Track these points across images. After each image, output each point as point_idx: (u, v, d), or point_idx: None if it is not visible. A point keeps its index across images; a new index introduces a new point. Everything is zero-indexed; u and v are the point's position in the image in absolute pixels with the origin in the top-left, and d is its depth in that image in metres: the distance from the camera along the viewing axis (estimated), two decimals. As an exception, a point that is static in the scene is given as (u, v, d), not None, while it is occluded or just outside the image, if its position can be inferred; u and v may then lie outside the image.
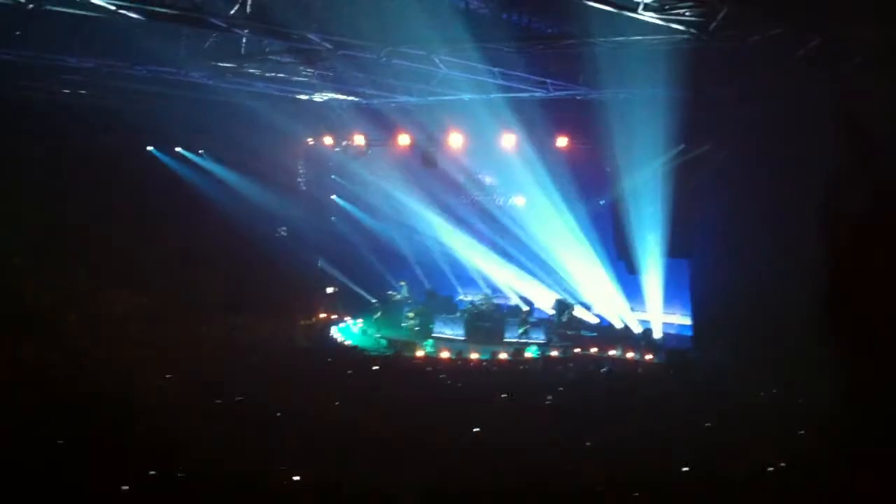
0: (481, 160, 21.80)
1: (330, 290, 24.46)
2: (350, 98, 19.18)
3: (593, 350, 18.96)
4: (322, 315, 22.41)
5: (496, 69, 15.17)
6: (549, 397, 13.05)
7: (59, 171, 18.06)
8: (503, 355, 17.95)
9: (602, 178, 19.60)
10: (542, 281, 22.29)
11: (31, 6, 10.83)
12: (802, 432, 10.85)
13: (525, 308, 21.98)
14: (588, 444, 10.64)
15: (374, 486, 8.37)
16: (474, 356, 17.77)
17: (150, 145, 21.65)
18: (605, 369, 16.43)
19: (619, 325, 20.67)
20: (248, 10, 11.74)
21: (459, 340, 20.05)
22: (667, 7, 10.37)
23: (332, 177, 24.77)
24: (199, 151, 22.28)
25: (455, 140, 19.91)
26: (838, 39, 11.21)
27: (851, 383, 11.81)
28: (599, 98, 16.37)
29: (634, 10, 10.37)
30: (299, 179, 24.12)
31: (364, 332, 21.48)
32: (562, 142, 19.37)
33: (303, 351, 17.47)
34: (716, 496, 8.63)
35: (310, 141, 23.01)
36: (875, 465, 8.70)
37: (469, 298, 22.96)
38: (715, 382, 14.32)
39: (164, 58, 14.47)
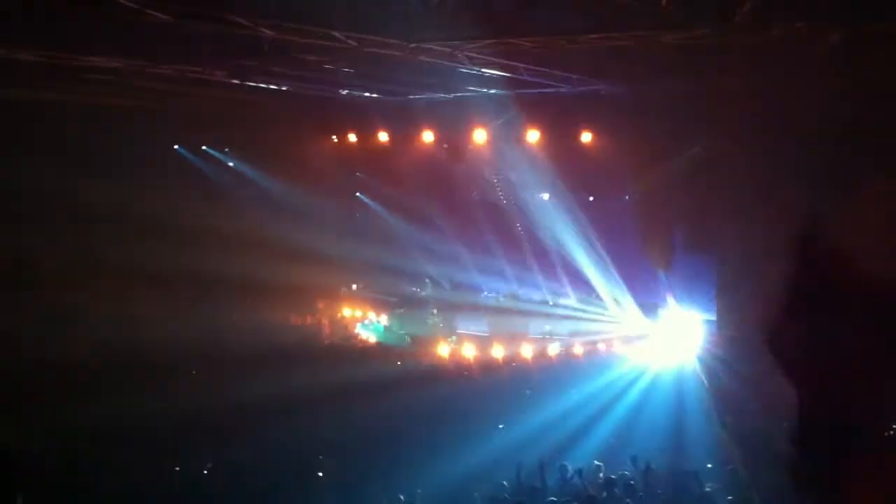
0: (505, 156, 21.70)
1: (354, 286, 24.53)
2: (375, 95, 19.20)
3: (616, 346, 18.86)
4: (347, 311, 22.46)
5: (521, 64, 15.12)
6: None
7: (85, 171, 18.22)
8: (526, 351, 17.92)
9: (626, 174, 19.45)
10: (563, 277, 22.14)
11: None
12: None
13: (550, 304, 21.88)
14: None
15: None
16: (498, 352, 17.75)
17: (177, 144, 21.84)
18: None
19: (639, 320, 20.49)
20: (274, 8, 11.78)
21: (483, 336, 20.01)
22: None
23: (357, 174, 24.80)
24: (225, 150, 22.45)
25: (479, 136, 19.84)
26: (862, 35, 11.05)
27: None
28: (623, 93, 16.29)
29: (658, 4, 10.30)
30: (323, 176, 24.17)
31: (388, 328, 21.50)
32: (586, 137, 19.23)
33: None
34: (732, 494, 8.60)
35: (334, 138, 23.07)
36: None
37: (493, 295, 22.87)
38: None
39: (189, 56, 14.55)
